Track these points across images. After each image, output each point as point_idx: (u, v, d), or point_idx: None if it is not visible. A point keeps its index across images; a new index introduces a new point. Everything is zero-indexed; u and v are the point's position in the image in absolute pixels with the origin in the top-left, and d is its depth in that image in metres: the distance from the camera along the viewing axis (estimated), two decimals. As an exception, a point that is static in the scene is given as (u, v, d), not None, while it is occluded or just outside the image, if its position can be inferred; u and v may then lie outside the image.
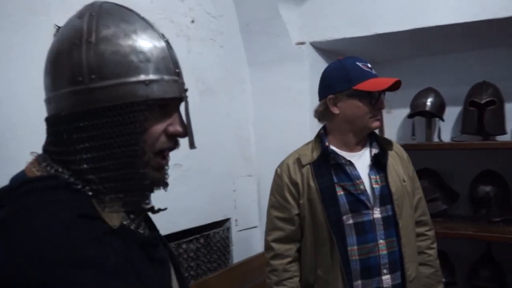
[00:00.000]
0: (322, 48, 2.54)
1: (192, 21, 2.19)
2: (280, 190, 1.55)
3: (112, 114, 0.65)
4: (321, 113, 1.53)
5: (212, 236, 2.29)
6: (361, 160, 1.50)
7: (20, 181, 0.63)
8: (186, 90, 0.76)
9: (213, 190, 2.27)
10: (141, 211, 0.76)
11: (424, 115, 2.52)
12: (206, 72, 2.26)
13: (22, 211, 0.58)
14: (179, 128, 0.72)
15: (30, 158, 0.70)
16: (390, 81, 1.42)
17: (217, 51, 2.37)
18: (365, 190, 1.45)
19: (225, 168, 2.38)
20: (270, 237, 1.55)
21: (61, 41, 0.68)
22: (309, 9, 2.44)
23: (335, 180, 1.45)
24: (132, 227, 0.71)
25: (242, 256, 2.41)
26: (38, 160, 0.69)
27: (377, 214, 1.43)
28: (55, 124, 0.68)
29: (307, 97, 2.48)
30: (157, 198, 1.87)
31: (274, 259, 1.53)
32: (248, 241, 2.53)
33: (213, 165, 2.28)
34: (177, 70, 0.73)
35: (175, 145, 0.74)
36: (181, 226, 2.01)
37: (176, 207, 1.97)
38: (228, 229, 2.41)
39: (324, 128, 1.59)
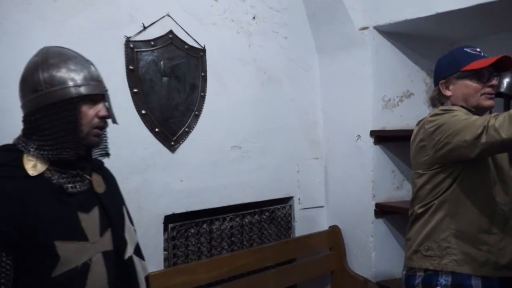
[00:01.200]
0: (386, 31, 2.52)
1: (253, 18, 2.43)
2: (459, 114, 1.46)
3: (58, 105, 1.08)
4: (434, 98, 1.67)
5: (273, 212, 2.54)
6: None
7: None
8: (106, 90, 1.18)
9: (274, 170, 2.51)
10: (75, 171, 1.13)
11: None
12: (267, 63, 2.48)
13: None
14: (104, 113, 1.14)
15: None
16: (495, 58, 1.48)
17: (281, 42, 2.57)
18: None
19: (288, 151, 2.59)
20: (471, 119, 1.40)
21: (26, 70, 1.12)
22: (370, -7, 2.45)
23: None
24: (54, 180, 1.08)
25: (305, 232, 2.61)
26: (17, 138, 1.15)
27: None
28: (27, 117, 1.11)
29: (370, 81, 2.51)
30: (215, 173, 2.19)
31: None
32: (313, 220, 2.71)
33: (275, 147, 2.51)
34: (98, 79, 1.16)
35: (105, 124, 1.17)
36: (238, 200, 2.31)
37: (233, 182, 2.30)
38: (291, 206, 2.63)
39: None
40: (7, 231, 0.97)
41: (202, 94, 2.17)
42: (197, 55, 2.15)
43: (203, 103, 2.18)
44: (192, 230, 2.19)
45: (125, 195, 1.84)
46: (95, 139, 1.14)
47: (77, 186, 1.12)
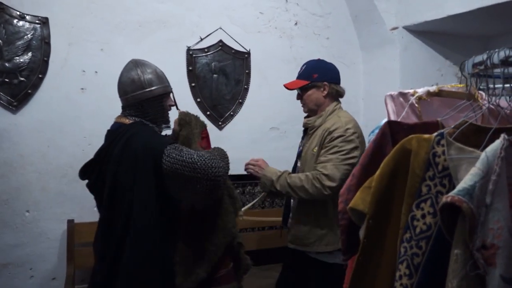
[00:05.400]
0: (415, 30, 2.79)
1: (296, 24, 2.97)
2: None
3: (151, 99, 1.64)
4: None
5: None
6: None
7: (129, 123, 1.64)
8: (171, 89, 1.74)
9: (310, 149, 3.04)
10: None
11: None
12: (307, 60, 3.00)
13: (137, 131, 1.57)
14: (172, 103, 1.74)
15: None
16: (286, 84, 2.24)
17: (322, 42, 3.06)
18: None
19: (325, 134, 3.09)
20: None
21: (130, 74, 1.65)
22: (401, -2, 2.76)
23: None
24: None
25: (337, 203, 3.10)
26: (124, 117, 1.67)
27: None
28: (136, 104, 1.64)
29: (397, 75, 2.83)
30: (255, 148, 2.89)
31: None
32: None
33: (312, 130, 3.04)
34: (167, 83, 1.71)
35: (170, 109, 1.75)
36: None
37: (270, 156, 2.92)
38: (325, 180, 3.13)
39: None
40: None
41: (245, 86, 2.85)
42: (242, 57, 2.82)
43: (246, 93, 2.85)
44: (238, 190, 2.92)
45: (182, 157, 2.69)
46: (166, 117, 1.73)
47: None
